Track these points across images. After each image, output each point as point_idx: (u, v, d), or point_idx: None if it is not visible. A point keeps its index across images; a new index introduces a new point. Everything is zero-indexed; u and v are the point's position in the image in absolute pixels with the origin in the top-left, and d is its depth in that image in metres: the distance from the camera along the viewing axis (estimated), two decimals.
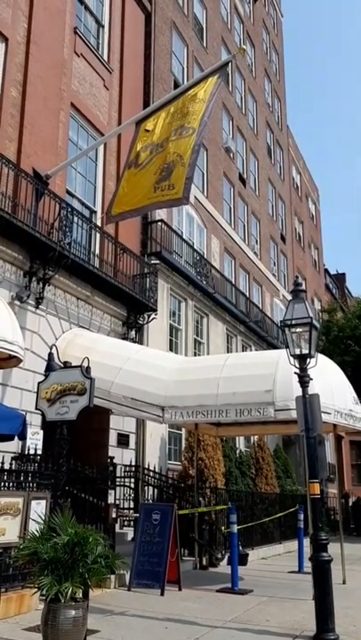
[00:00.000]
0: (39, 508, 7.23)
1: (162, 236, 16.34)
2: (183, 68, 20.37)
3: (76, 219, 12.26)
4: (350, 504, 25.13)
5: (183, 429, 15.46)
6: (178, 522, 9.27)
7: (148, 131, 10.31)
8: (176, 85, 17.55)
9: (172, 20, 19.60)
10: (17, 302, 10.82)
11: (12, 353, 9.02)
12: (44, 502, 7.37)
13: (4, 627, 6.18)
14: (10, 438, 8.38)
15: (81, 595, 5.20)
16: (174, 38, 19.78)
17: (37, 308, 11.39)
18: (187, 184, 9.14)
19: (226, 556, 11.36)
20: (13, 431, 7.86)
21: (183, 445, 15.45)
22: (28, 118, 11.78)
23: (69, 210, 12.06)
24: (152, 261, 15.61)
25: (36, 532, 5.70)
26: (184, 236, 18.44)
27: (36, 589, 5.37)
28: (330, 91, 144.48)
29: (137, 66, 16.95)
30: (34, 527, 6.55)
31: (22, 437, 8.63)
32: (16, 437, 8.60)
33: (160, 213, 16.66)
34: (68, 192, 13.20)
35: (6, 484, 7.19)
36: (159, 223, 16.38)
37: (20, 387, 10.49)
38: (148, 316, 14.79)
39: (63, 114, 13.12)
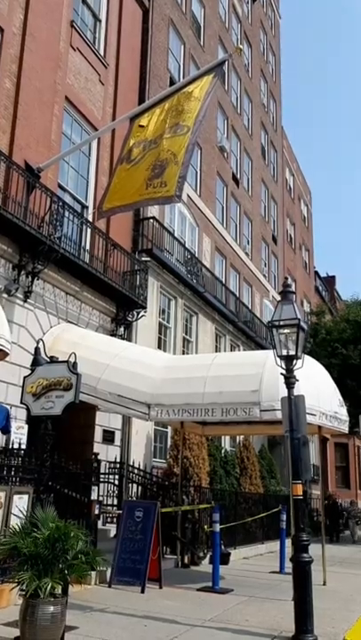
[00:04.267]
0: (21, 502, 7.19)
1: (153, 234, 16.31)
2: (180, 66, 20.33)
3: (67, 213, 12.20)
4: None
5: (169, 427, 15.45)
6: (161, 519, 9.25)
7: (141, 126, 10.27)
8: (172, 83, 17.50)
9: (170, 18, 19.55)
10: (5, 295, 10.76)
11: None
12: (26, 497, 7.33)
13: None
14: None
15: (60, 591, 5.17)
16: (171, 36, 19.73)
17: (25, 301, 11.32)
18: (179, 182, 9.12)
19: (208, 555, 11.35)
20: None
21: (169, 443, 15.44)
22: (22, 110, 11.70)
23: (61, 204, 11.99)
24: (143, 258, 15.57)
25: (17, 527, 5.66)
26: (176, 234, 18.41)
27: (15, 584, 5.34)
28: (324, 92, 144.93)
29: (133, 62, 16.89)
30: (15, 522, 6.51)
31: (6, 431, 8.60)
32: None
33: (152, 211, 16.62)
34: (60, 186, 13.13)
35: None
36: (151, 220, 16.34)
37: (5, 380, 10.42)
38: (138, 314, 14.76)
39: (57, 107, 13.04)
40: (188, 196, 19.88)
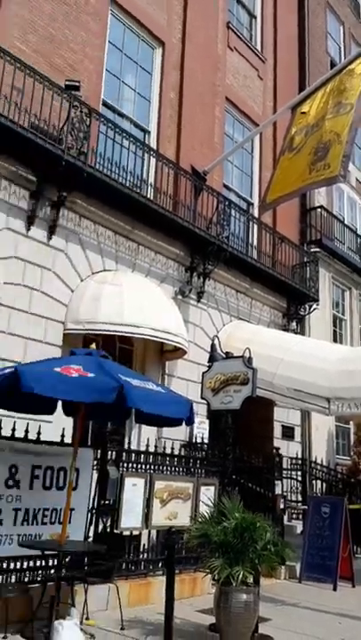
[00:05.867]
0: (208, 493, 7.40)
1: (322, 223, 15.83)
2: (340, 48, 19.52)
3: (233, 212, 12.35)
4: None
5: (351, 423, 14.86)
6: (348, 517, 8.91)
7: (303, 113, 10.00)
8: (332, 66, 16.84)
9: (326, 0, 18.87)
10: (180, 297, 11.18)
11: (177, 345, 9.39)
12: (212, 488, 7.53)
13: (179, 607, 6.37)
14: (178, 423, 8.65)
15: (252, 580, 5.22)
16: (329, 18, 19.02)
17: (199, 301, 11.67)
18: (344, 162, 8.69)
19: None
20: (182, 415, 8.10)
21: (352, 439, 14.85)
22: (185, 117, 12.09)
23: (227, 203, 12.17)
24: (312, 250, 15.18)
25: (206, 514, 5.82)
26: (346, 222, 17.68)
27: (207, 572, 5.50)
28: None
29: (291, 51, 16.59)
30: (203, 510, 6.72)
31: (190, 422, 8.86)
32: (184, 424, 8.86)
33: (319, 199, 16.16)
34: (225, 186, 13.32)
35: (177, 469, 7.47)
36: (319, 210, 15.88)
37: (185, 377, 10.82)
38: (310, 307, 14.39)
39: (218, 109, 13.27)
40: (358, 179, 18.97)
